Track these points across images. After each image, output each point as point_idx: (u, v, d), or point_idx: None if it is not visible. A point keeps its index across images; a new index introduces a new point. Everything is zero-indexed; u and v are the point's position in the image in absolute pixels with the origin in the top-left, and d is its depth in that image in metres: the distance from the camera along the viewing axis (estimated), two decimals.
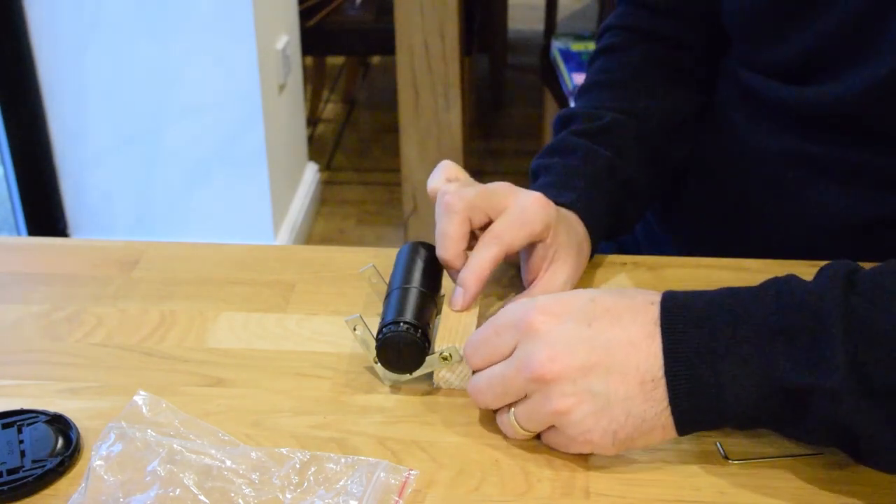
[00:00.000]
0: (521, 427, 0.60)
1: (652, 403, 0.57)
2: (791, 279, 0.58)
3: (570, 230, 0.74)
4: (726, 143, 0.88)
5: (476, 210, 0.68)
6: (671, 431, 0.58)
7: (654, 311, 0.58)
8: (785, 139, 0.82)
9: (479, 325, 0.69)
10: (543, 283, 0.72)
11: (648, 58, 0.91)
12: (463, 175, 0.73)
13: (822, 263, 0.61)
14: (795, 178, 0.82)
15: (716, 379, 0.56)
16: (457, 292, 0.69)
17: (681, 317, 0.58)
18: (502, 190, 0.70)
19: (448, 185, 0.71)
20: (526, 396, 0.59)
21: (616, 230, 0.84)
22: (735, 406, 0.56)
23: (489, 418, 0.64)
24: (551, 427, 0.60)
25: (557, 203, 0.74)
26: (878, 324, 0.54)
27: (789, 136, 0.82)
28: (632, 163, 0.84)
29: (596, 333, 0.58)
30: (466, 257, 0.69)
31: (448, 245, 0.68)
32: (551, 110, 2.46)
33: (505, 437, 0.62)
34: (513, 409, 0.60)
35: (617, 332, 0.58)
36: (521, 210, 0.69)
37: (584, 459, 0.60)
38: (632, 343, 0.58)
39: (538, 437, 0.62)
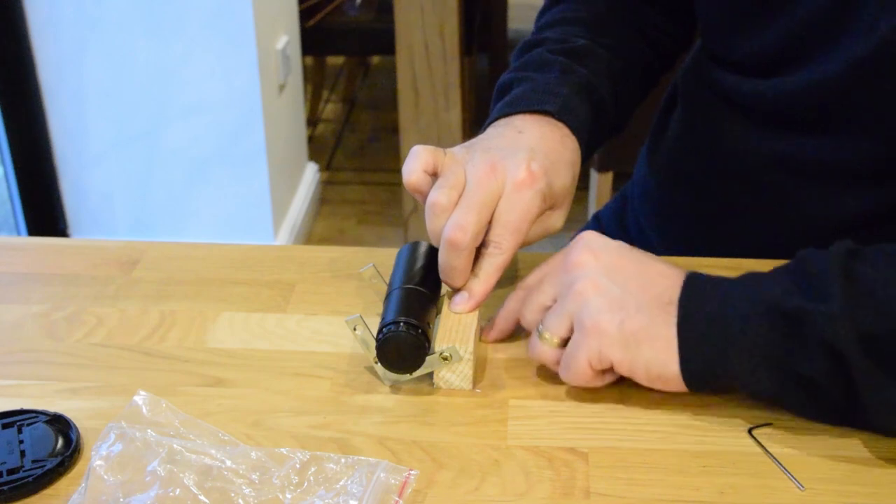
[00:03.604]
0: (547, 331, 0.64)
1: (663, 315, 0.62)
2: (806, 249, 0.64)
3: (561, 167, 0.73)
4: (706, 148, 0.88)
5: (479, 235, 0.68)
6: (674, 354, 0.60)
7: (684, 270, 0.65)
8: (760, 140, 0.82)
9: (479, 326, 0.69)
10: (540, 227, 0.73)
11: (610, 8, 0.91)
12: (439, 160, 0.70)
13: None
14: (773, 178, 0.82)
15: (722, 305, 0.61)
16: (461, 296, 0.69)
17: (705, 274, 0.64)
18: (491, 189, 0.68)
19: (440, 196, 0.67)
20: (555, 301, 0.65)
21: (585, 153, 0.81)
22: (738, 331, 0.59)
23: (489, 418, 0.64)
24: (569, 341, 0.63)
25: (539, 112, 0.75)
26: (872, 282, 0.59)
27: (765, 136, 0.81)
28: (603, 87, 0.83)
29: (635, 255, 0.66)
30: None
31: (458, 278, 0.68)
32: None
33: (505, 437, 0.62)
34: (541, 322, 0.65)
35: (652, 262, 0.65)
36: (513, 204, 0.68)
37: (584, 460, 0.60)
38: (661, 272, 0.64)
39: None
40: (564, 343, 0.64)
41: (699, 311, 0.61)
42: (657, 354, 0.61)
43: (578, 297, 0.63)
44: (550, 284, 0.66)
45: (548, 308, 0.65)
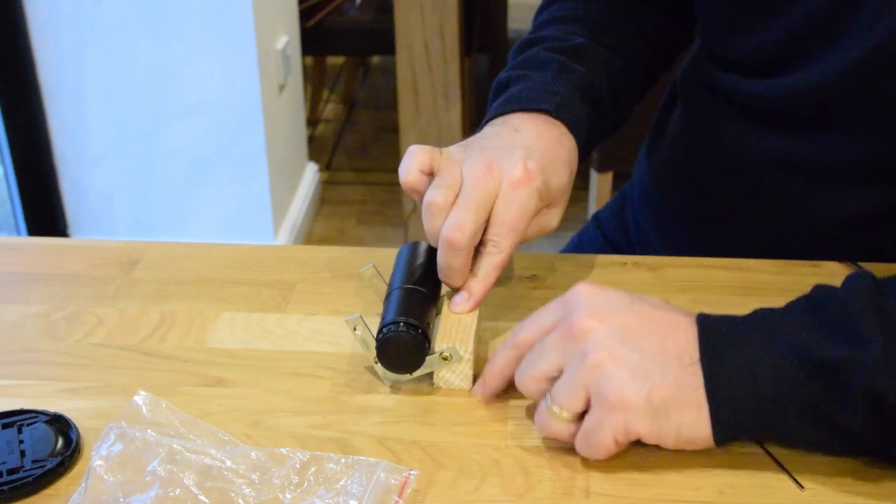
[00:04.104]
0: (559, 407, 0.59)
1: (688, 376, 0.57)
2: (819, 285, 0.60)
3: (558, 165, 0.72)
4: (705, 147, 0.88)
5: (477, 234, 0.67)
6: (705, 416, 0.57)
7: (691, 316, 0.60)
8: (760, 139, 0.82)
9: (479, 325, 0.69)
10: (537, 225, 0.72)
11: (609, 7, 0.90)
12: (436, 159, 0.69)
13: (823, 263, 0.61)
14: (773, 178, 0.82)
15: (747, 359, 0.57)
16: (460, 296, 0.68)
17: (716, 319, 0.60)
18: (488, 188, 0.67)
19: (436, 195, 0.67)
20: (562, 373, 0.59)
21: (583, 152, 0.79)
22: (771, 386, 0.56)
23: (489, 418, 0.64)
24: (585, 415, 0.58)
25: (536, 110, 0.74)
26: None
27: (764, 135, 0.81)
28: (601, 85, 0.82)
29: (639, 308, 0.60)
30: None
31: (457, 277, 0.68)
32: None
33: (505, 437, 0.62)
34: (549, 394, 0.60)
35: (659, 313, 0.60)
36: (510, 203, 0.67)
37: (584, 460, 0.60)
38: (671, 324, 0.59)
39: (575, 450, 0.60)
40: (577, 417, 0.59)
41: (724, 368, 0.57)
42: (688, 421, 0.57)
43: (595, 370, 0.57)
44: (553, 352, 0.60)
45: (551, 378, 0.60)
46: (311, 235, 2.64)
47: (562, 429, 0.59)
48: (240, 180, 2.26)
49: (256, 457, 0.59)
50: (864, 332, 0.55)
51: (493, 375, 0.65)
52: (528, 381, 0.61)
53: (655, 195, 0.96)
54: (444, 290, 0.70)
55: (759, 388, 0.56)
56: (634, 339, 0.58)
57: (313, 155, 2.83)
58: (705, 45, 0.88)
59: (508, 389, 0.66)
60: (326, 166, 3.00)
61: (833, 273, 0.77)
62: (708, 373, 0.57)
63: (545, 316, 0.62)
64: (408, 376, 0.66)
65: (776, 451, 0.61)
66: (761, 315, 0.60)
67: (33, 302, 0.76)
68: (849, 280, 0.59)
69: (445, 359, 0.65)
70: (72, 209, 2.31)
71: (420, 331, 0.64)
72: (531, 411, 0.64)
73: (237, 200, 2.28)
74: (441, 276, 0.68)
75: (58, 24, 2.09)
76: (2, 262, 0.82)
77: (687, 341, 0.58)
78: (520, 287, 0.78)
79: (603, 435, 0.57)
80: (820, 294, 0.59)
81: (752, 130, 0.82)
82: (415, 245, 0.72)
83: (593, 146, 0.85)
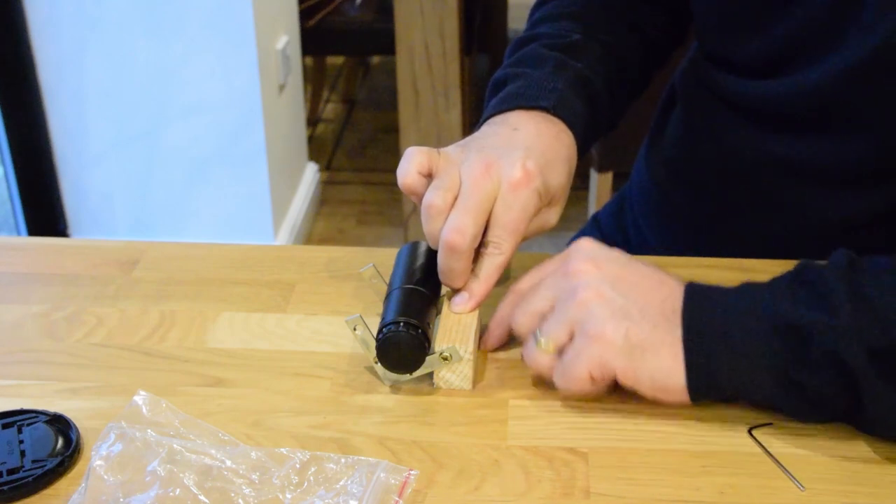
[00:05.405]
0: (545, 338, 0.63)
1: (668, 325, 0.61)
2: (804, 261, 0.64)
3: (557, 164, 0.73)
4: (705, 148, 0.88)
5: (478, 237, 0.67)
6: (679, 365, 0.60)
7: (682, 281, 0.65)
8: (760, 140, 0.82)
9: (479, 326, 0.69)
10: (536, 223, 0.73)
11: (605, 5, 0.91)
12: (434, 161, 0.69)
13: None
14: (772, 179, 0.82)
15: (726, 318, 0.60)
16: (461, 297, 0.68)
17: (704, 285, 0.64)
18: (487, 190, 0.67)
19: (435, 198, 0.67)
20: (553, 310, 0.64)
21: (581, 148, 0.80)
22: (741, 341, 0.59)
23: (489, 418, 0.64)
24: (568, 348, 0.62)
25: (535, 108, 0.75)
26: (875, 297, 0.59)
27: (764, 136, 0.81)
28: (598, 82, 0.83)
29: (634, 264, 0.65)
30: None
31: (458, 279, 0.68)
32: None
33: (505, 437, 0.62)
34: (539, 328, 0.64)
35: (651, 271, 0.65)
36: (510, 205, 0.68)
37: (584, 460, 0.60)
38: (661, 281, 0.64)
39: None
40: (562, 351, 0.63)
41: (703, 323, 0.61)
42: (662, 364, 0.61)
43: (581, 306, 0.62)
44: (548, 290, 0.65)
45: (543, 314, 0.64)
46: (310, 235, 2.64)
47: (545, 360, 0.63)
48: (240, 180, 2.26)
49: (256, 457, 0.59)
50: (833, 301, 0.58)
51: (497, 322, 0.69)
52: (523, 317, 0.66)
53: (655, 195, 0.96)
54: (444, 290, 0.70)
55: (731, 343, 0.60)
56: (622, 287, 0.63)
57: (313, 155, 2.83)
58: (703, 47, 0.88)
59: (507, 388, 0.66)
60: (326, 166, 3.00)
61: None
62: (686, 323, 0.61)
63: (546, 266, 0.67)
64: (408, 376, 0.66)
65: (776, 451, 0.61)
66: (748, 285, 0.63)
67: (33, 302, 0.76)
68: (831, 257, 0.62)
69: (445, 359, 0.65)
70: (72, 209, 2.31)
71: (420, 331, 0.64)
72: (531, 411, 0.64)
73: (237, 200, 2.28)
74: (442, 277, 0.68)
75: (58, 24, 2.09)
76: (2, 262, 0.82)
77: (672, 295, 0.63)
78: None
79: (579, 365, 0.61)
80: (801, 268, 0.63)
81: (752, 131, 0.82)
82: (415, 245, 0.72)
83: (591, 143, 0.85)
